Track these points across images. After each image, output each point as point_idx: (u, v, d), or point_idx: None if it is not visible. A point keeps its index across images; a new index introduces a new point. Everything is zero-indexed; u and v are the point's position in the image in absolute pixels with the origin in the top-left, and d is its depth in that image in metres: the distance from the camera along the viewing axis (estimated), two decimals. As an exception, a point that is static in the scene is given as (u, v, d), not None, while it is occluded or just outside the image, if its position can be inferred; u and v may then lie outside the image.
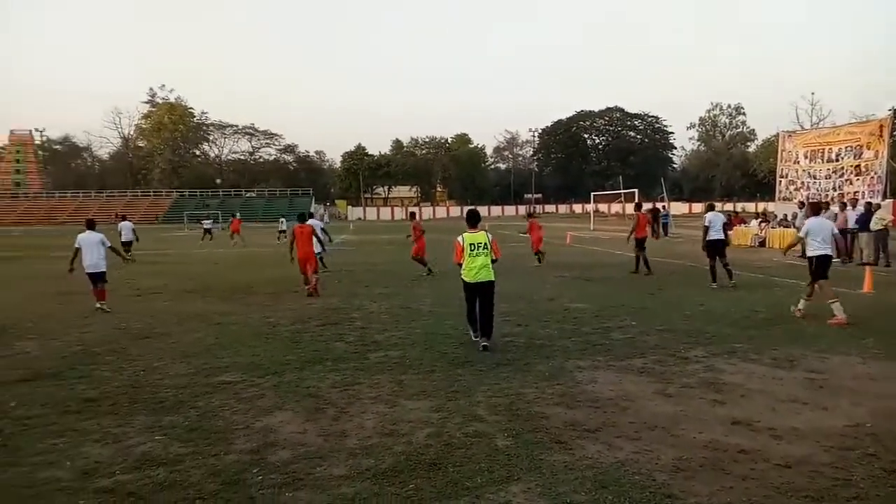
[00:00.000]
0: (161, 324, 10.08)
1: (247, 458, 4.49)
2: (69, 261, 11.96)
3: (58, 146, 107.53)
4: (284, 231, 38.74)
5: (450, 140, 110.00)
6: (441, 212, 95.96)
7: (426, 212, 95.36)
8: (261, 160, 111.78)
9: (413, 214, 19.21)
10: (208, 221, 40.15)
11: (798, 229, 10.90)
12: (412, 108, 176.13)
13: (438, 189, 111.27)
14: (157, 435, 5.01)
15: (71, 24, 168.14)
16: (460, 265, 8.31)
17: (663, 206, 35.95)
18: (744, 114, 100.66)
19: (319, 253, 15.78)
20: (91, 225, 12.56)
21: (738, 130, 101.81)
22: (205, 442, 4.83)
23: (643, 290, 13.17)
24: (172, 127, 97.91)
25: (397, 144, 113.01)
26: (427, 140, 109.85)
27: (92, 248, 11.88)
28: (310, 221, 14.58)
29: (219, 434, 5.00)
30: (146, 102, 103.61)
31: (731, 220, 31.21)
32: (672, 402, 5.72)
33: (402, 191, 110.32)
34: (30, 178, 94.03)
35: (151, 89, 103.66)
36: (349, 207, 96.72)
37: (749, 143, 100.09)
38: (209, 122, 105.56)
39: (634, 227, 16.87)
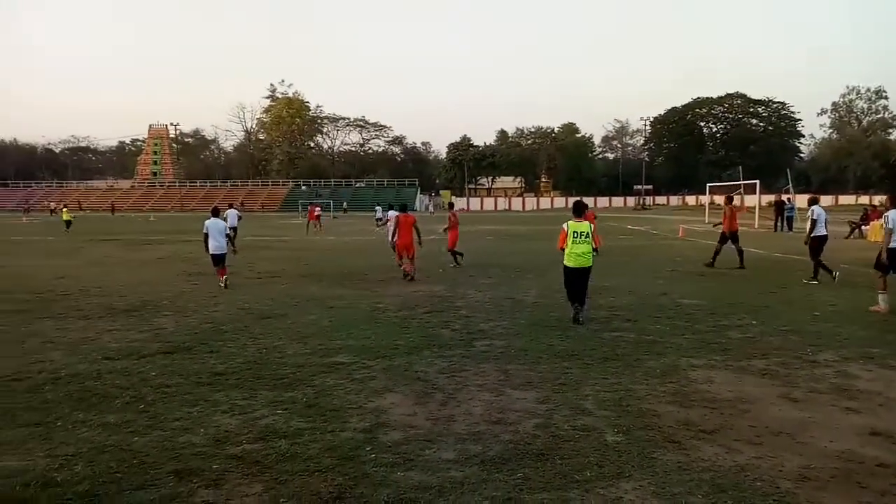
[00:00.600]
0: (280, 306, 10.69)
1: (360, 437, 4.68)
2: (203, 243, 13.36)
3: (189, 139, 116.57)
4: (381, 219, 40.26)
5: (556, 130, 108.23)
6: (545, 203, 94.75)
7: (530, 202, 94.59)
8: (370, 151, 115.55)
9: (451, 205, 19.28)
10: (317, 210, 42.21)
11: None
12: (519, 99, 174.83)
13: (543, 180, 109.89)
14: (279, 409, 5.33)
15: (201, 28, 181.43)
16: (562, 250, 9.15)
17: (788, 199, 33.33)
18: (885, 97, 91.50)
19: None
20: (216, 212, 14.09)
21: (879, 116, 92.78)
22: (321, 418, 5.08)
23: (764, 288, 12.35)
24: (290, 120, 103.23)
25: (502, 135, 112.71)
26: (533, 130, 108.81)
27: (216, 232, 13.20)
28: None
29: (334, 412, 5.25)
30: (267, 97, 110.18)
31: (868, 215, 28.51)
32: (798, 408, 5.33)
33: (506, 181, 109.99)
34: (165, 169, 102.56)
35: (272, 85, 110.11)
36: (453, 197, 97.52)
37: (891, 131, 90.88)
38: (323, 115, 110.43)
39: (724, 219, 16.38)
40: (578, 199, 10.70)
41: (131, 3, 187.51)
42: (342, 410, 5.30)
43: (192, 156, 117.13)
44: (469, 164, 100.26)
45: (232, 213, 25.25)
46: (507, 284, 13.26)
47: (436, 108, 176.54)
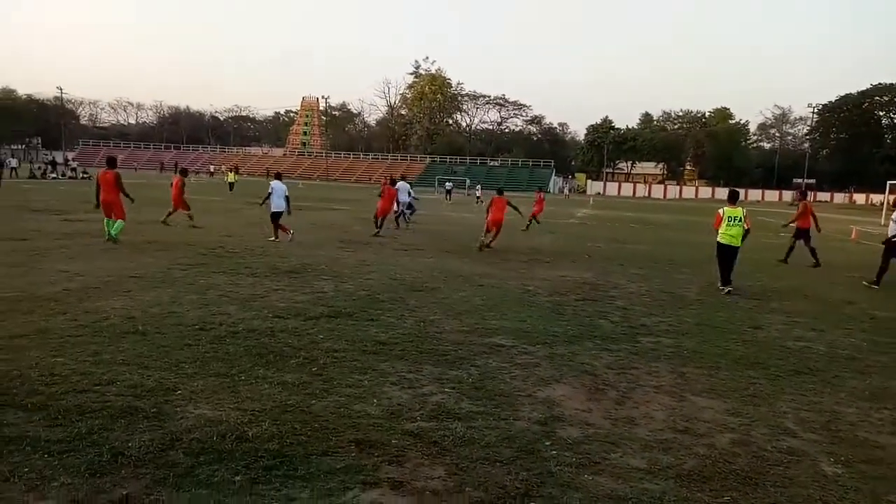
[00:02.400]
0: (430, 279, 10.73)
1: (536, 429, 4.43)
2: (262, 199, 16.21)
3: (336, 112, 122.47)
4: (480, 197, 40.44)
5: (707, 114, 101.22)
6: (688, 192, 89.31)
7: (672, 190, 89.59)
8: (507, 130, 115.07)
9: (540, 188, 18.92)
10: (449, 184, 42.92)
11: None
12: (665, 79, 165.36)
13: (688, 167, 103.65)
14: (447, 387, 5.21)
15: (354, 8, 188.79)
16: (717, 230, 11.23)
17: None
18: None
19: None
20: (279, 177, 16.85)
21: None
22: (492, 403, 4.89)
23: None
24: (432, 97, 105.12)
25: (646, 118, 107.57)
26: (681, 114, 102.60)
27: (279, 194, 15.43)
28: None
29: (503, 397, 5.04)
30: (411, 73, 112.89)
31: None
32: None
33: (647, 167, 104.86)
34: (313, 139, 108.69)
35: (416, 61, 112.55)
36: (589, 181, 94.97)
37: None
38: (464, 92, 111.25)
39: (797, 216, 16.19)
40: (733, 188, 12.80)
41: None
42: (511, 397, 5.08)
43: (338, 128, 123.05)
44: (608, 147, 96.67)
45: (404, 186, 21.63)
46: (660, 277, 12.44)
47: (576, 89, 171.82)
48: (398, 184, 20.45)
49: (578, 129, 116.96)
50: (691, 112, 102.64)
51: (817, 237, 16.26)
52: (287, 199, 15.62)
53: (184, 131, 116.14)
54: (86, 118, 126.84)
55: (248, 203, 28.96)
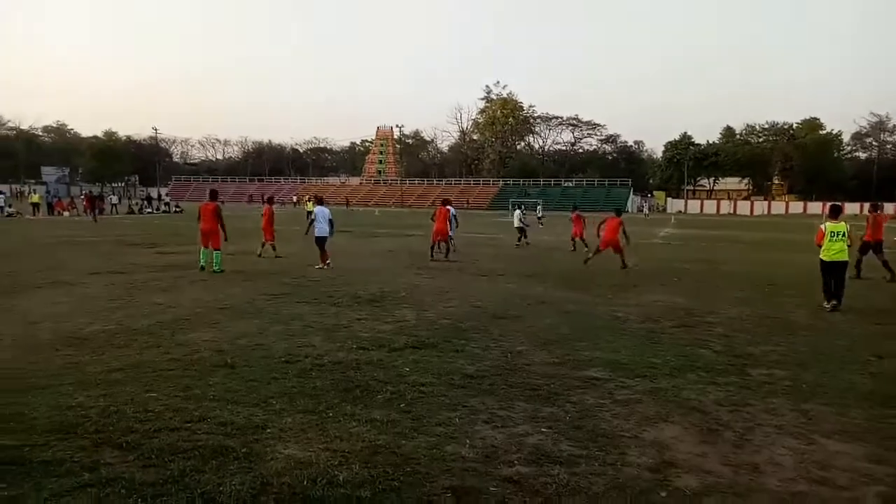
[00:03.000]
0: (512, 306, 10.39)
1: (648, 476, 4.01)
2: (306, 226, 16.14)
3: (409, 140, 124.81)
4: (542, 217, 39.21)
5: (795, 125, 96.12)
6: (777, 207, 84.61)
7: (759, 206, 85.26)
8: (580, 151, 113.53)
9: (618, 211, 18.19)
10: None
11: None
12: (747, 92, 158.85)
13: (775, 181, 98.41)
14: (543, 427, 4.87)
15: (420, 40, 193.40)
16: (819, 246, 10.76)
17: None
18: None
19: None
20: (321, 201, 17.17)
21: None
22: (594, 445, 4.50)
23: None
24: (503, 120, 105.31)
25: (728, 132, 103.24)
26: (766, 126, 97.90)
27: (322, 218, 15.29)
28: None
29: (607, 439, 4.64)
30: (482, 99, 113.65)
31: None
32: None
33: (730, 183, 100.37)
34: (388, 167, 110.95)
35: (487, 86, 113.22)
36: (669, 199, 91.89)
37: None
38: (536, 114, 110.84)
39: (868, 228, 15.47)
40: (835, 203, 12.41)
41: (355, 19, 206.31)
42: (615, 438, 4.66)
43: (411, 155, 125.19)
44: (688, 164, 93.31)
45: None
46: (761, 300, 11.57)
47: (652, 106, 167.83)
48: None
49: (655, 147, 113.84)
50: (777, 124, 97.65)
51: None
52: (331, 222, 15.52)
53: (266, 164, 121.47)
54: (178, 156, 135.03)
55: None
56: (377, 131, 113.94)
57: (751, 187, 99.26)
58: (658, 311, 10.18)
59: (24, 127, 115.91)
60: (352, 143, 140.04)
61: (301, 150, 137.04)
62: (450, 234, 19.90)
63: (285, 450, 4.29)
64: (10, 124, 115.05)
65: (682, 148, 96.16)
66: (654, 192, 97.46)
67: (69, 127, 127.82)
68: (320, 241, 15.24)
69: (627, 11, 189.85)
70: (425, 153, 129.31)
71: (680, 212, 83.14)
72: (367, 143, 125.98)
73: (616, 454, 4.36)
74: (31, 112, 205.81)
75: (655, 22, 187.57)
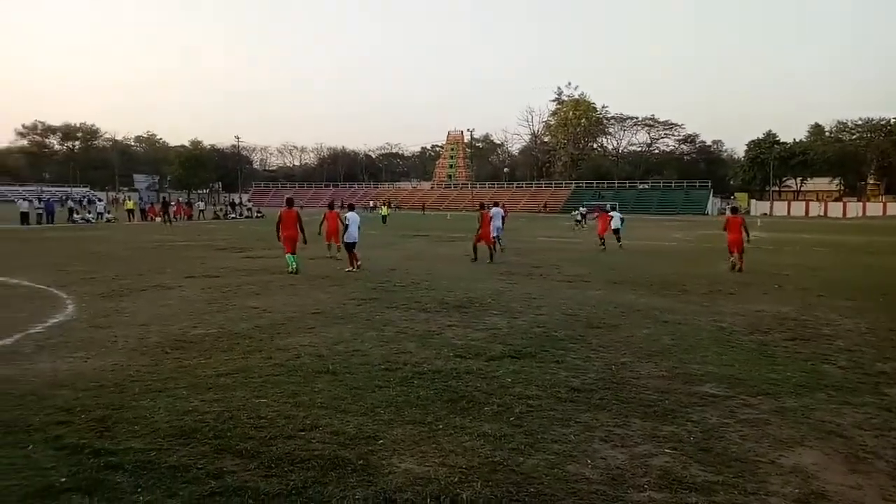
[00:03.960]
0: (606, 315, 10.02)
1: (798, 509, 3.66)
2: (341, 231, 16.22)
3: (479, 144, 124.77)
4: (581, 220, 38.15)
5: (893, 121, 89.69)
6: (873, 209, 79.08)
7: (852, 208, 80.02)
8: (657, 151, 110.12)
9: (735, 209, 19.57)
10: (577, 212, 42.03)
11: None
12: (836, 85, 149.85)
13: (870, 181, 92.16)
14: (666, 447, 4.56)
15: (490, 43, 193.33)
16: None
17: None
18: None
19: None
20: (352, 207, 16.99)
21: None
22: (729, 471, 4.17)
23: None
24: (576, 122, 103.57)
25: (816, 129, 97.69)
26: (860, 122, 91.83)
27: (354, 223, 15.69)
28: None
29: (741, 463, 4.29)
30: (554, 100, 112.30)
31: None
32: None
33: (820, 183, 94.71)
34: (458, 171, 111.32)
35: (559, 88, 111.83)
36: (752, 201, 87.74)
37: None
38: (610, 115, 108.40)
39: None
40: None
41: (425, 24, 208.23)
42: (750, 463, 4.30)
43: (482, 159, 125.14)
44: (773, 163, 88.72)
45: (497, 212, 22.40)
46: (879, 310, 10.70)
47: (733, 104, 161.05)
48: (492, 210, 20.86)
49: (736, 146, 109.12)
50: (872, 120, 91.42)
51: None
52: (359, 228, 15.98)
53: (341, 170, 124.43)
54: (257, 162, 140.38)
55: (403, 236, 29.91)
56: (448, 136, 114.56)
57: (842, 188, 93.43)
58: (766, 322, 9.55)
59: (119, 138, 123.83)
60: (422, 147, 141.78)
61: (374, 156, 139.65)
62: (496, 234, 20.34)
63: (401, 463, 4.19)
64: (107, 136, 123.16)
65: (766, 147, 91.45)
66: (736, 194, 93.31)
67: (158, 137, 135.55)
68: (349, 245, 15.70)
69: (704, 6, 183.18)
70: (495, 156, 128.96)
71: (765, 214, 79.09)
72: (437, 148, 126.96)
73: (755, 482, 4.00)
74: (124, 125, 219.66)
75: (730, 16, 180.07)
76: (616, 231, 24.21)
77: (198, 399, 5.46)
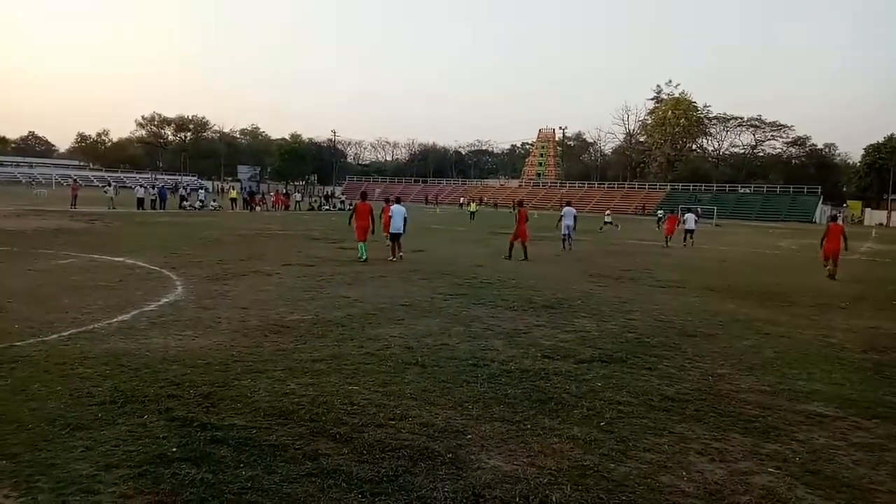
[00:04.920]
0: (703, 324, 9.58)
1: (922, 546, 3.36)
2: (383, 225, 17.48)
3: (571, 142, 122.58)
4: (610, 222, 38.58)
5: None
6: None
7: None
8: (762, 154, 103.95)
9: (834, 217, 19.00)
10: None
11: None
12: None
13: None
14: (769, 466, 4.31)
15: (586, 40, 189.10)
16: None
17: None
18: None
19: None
20: (398, 200, 17.99)
21: None
22: (840, 497, 3.89)
23: None
24: (674, 121, 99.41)
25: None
26: None
27: (398, 216, 16.59)
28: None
29: (854, 490, 3.99)
30: (652, 99, 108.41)
31: None
32: None
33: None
34: (548, 170, 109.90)
35: (658, 86, 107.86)
36: (866, 210, 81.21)
37: None
38: (712, 115, 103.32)
39: None
40: None
41: (521, 23, 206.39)
42: (864, 491, 3.99)
43: (573, 157, 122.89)
44: (894, 170, 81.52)
45: (569, 212, 23.45)
46: None
47: (847, 105, 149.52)
48: (564, 209, 22.62)
49: (850, 151, 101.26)
50: None
51: None
52: (405, 220, 16.89)
53: (431, 165, 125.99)
54: (351, 156, 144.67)
55: (491, 233, 29.88)
56: (539, 133, 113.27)
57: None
58: (882, 340, 8.84)
59: (226, 130, 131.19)
60: (512, 145, 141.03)
61: (463, 153, 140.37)
62: (567, 233, 22.32)
63: (489, 460, 4.20)
64: (216, 128, 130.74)
65: (886, 152, 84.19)
66: (849, 202, 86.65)
67: (261, 130, 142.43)
68: (395, 236, 16.67)
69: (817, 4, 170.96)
70: (587, 155, 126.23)
71: (881, 224, 73.10)
72: (527, 146, 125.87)
73: (872, 513, 3.72)
74: (230, 118, 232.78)
75: (844, 10, 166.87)
76: (690, 232, 27.46)
77: (294, 382, 5.70)
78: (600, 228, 37.34)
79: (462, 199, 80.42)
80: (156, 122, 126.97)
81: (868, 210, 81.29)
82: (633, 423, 5.07)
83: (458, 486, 3.75)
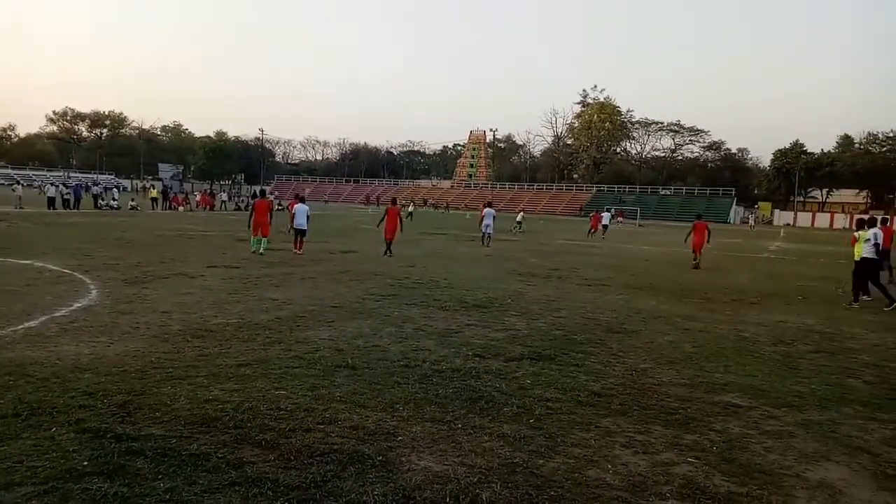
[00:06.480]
0: (627, 320, 9.91)
1: (825, 525, 3.57)
2: (290, 219, 18.65)
3: (501, 144, 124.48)
4: (519, 224, 37.73)
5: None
6: (901, 223, 77.63)
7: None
8: (680, 158, 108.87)
9: (699, 215, 21.97)
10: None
11: None
12: (867, 98, 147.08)
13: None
14: (689, 456, 4.49)
15: (519, 40, 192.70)
16: None
17: None
18: None
19: None
20: (302, 199, 19.37)
21: None
22: (753, 482, 4.09)
23: None
24: (599, 125, 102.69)
25: (845, 140, 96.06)
26: (891, 135, 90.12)
27: (301, 213, 18.17)
28: None
29: (765, 476, 4.21)
30: (578, 103, 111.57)
31: None
32: None
33: (847, 195, 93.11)
34: (479, 171, 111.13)
35: (584, 90, 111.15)
36: (775, 211, 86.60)
37: None
38: (635, 119, 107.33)
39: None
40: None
41: (442, 28, 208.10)
42: (775, 476, 4.22)
43: (503, 159, 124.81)
44: (799, 174, 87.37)
45: (489, 212, 25.28)
46: (904, 325, 10.48)
47: (759, 112, 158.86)
48: (485, 210, 25.28)
49: (761, 155, 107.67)
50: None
51: None
52: (308, 217, 18.56)
53: (362, 165, 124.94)
54: (280, 156, 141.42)
55: (423, 233, 29.90)
56: (470, 135, 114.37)
57: (869, 200, 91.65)
58: (789, 334, 9.40)
59: (146, 127, 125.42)
60: (444, 146, 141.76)
61: (395, 153, 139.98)
62: (487, 232, 24.67)
63: (420, 461, 4.17)
64: (134, 124, 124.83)
65: (792, 157, 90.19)
66: (759, 203, 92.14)
67: (184, 127, 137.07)
68: (300, 232, 18.14)
69: (737, 9, 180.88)
70: (517, 157, 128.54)
71: (788, 224, 78.09)
72: (458, 147, 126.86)
73: (781, 495, 3.93)
74: (151, 114, 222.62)
75: (764, 20, 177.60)
76: (604, 227, 35.48)
77: (218, 388, 5.49)
78: (511, 230, 35.09)
79: (404, 200, 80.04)
80: (68, 118, 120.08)
81: (777, 211, 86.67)
82: (562, 419, 5.17)
83: (387, 489, 3.70)
